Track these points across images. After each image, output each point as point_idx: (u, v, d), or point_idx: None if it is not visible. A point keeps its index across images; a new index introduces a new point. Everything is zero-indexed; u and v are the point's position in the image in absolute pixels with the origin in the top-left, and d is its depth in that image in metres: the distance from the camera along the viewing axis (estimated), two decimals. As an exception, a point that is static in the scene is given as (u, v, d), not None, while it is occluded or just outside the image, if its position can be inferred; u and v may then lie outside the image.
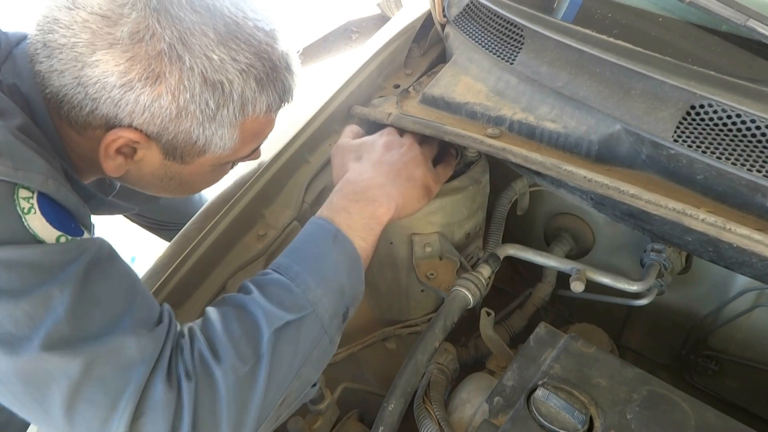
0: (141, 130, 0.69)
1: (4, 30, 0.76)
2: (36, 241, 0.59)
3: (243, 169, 1.04)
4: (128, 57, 0.65)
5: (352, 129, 1.00)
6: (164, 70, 0.66)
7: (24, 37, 0.75)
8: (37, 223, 0.60)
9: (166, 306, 0.69)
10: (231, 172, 0.91)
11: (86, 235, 0.65)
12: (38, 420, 0.61)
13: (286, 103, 0.79)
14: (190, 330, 0.68)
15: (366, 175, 0.85)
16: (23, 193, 0.60)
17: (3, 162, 0.58)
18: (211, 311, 0.71)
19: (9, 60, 0.72)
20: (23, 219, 0.59)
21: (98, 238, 0.66)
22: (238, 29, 0.69)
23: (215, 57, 0.67)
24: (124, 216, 1.43)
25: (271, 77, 0.73)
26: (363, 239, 0.79)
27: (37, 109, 0.70)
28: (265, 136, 0.83)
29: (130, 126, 0.69)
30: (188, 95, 0.67)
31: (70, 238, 0.62)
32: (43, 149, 0.66)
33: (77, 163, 0.77)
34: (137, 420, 0.60)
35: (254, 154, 0.85)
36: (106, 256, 0.65)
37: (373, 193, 0.82)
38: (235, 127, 0.74)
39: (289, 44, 0.76)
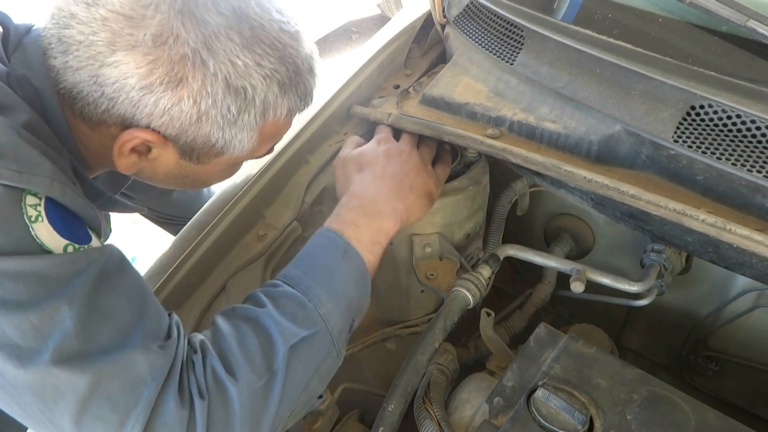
0: (158, 132, 0.68)
1: (13, 20, 0.74)
2: (43, 251, 0.58)
3: (243, 169, 1.04)
4: (150, 60, 0.63)
5: (353, 140, 1.00)
6: (187, 74, 0.64)
7: (32, 27, 0.73)
8: (44, 231, 0.58)
9: (175, 317, 0.68)
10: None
11: (95, 240, 0.64)
12: None
13: (306, 106, 0.78)
14: (202, 344, 0.67)
15: (371, 189, 0.85)
16: (31, 200, 0.58)
17: (7, 165, 0.57)
18: (223, 323, 0.69)
19: (19, 49, 0.70)
20: (30, 228, 0.58)
21: (108, 246, 0.65)
22: (263, 32, 0.68)
23: (240, 62, 0.66)
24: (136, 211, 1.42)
25: (294, 81, 0.72)
26: (371, 252, 0.79)
27: (49, 102, 0.68)
28: (282, 136, 0.83)
29: (147, 127, 0.68)
30: (210, 101, 0.66)
31: (77, 246, 0.61)
32: (50, 147, 0.64)
33: (87, 158, 0.76)
34: None
35: (268, 151, 0.85)
36: (116, 266, 0.64)
37: (380, 207, 0.83)
38: (255, 130, 0.73)
39: (312, 45, 0.75)
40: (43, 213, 0.59)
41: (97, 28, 0.62)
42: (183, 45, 0.63)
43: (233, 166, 0.82)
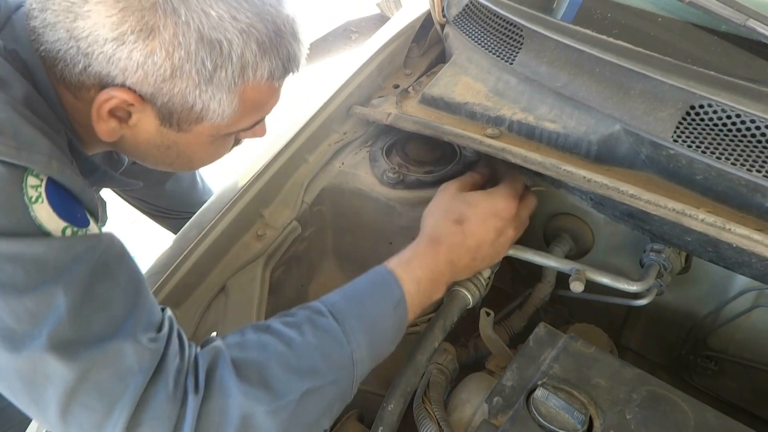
0: (134, 90, 0.66)
1: None
2: (42, 232, 0.58)
3: (243, 168, 1.04)
4: (121, 7, 0.61)
5: (474, 177, 0.97)
6: (158, 23, 0.62)
7: (22, 2, 0.71)
8: (44, 213, 0.58)
9: (168, 312, 0.68)
10: (232, 168, 0.90)
11: (92, 225, 0.64)
12: (34, 416, 0.62)
13: (291, 73, 0.74)
14: (217, 348, 0.67)
15: (453, 260, 0.83)
16: (32, 180, 0.58)
17: (5, 141, 0.57)
18: (252, 335, 0.69)
19: (8, 25, 0.69)
20: (30, 209, 0.58)
21: (107, 234, 0.64)
22: None
23: (213, 13, 0.63)
24: (129, 203, 1.42)
25: (275, 42, 0.69)
26: (413, 313, 0.79)
27: (38, 74, 0.67)
28: (269, 109, 0.79)
29: (123, 85, 0.66)
30: (183, 53, 0.64)
31: (75, 229, 0.61)
32: (46, 122, 0.64)
33: (81, 133, 0.75)
34: (134, 429, 0.59)
35: (258, 129, 0.82)
36: (115, 255, 0.64)
37: (446, 279, 0.83)
38: (234, 92, 0.69)
39: (295, 10, 0.72)
40: (43, 194, 0.59)
41: None
42: None
43: (218, 140, 0.78)
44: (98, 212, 0.68)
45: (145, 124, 0.72)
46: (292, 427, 0.66)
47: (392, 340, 0.77)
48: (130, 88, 0.66)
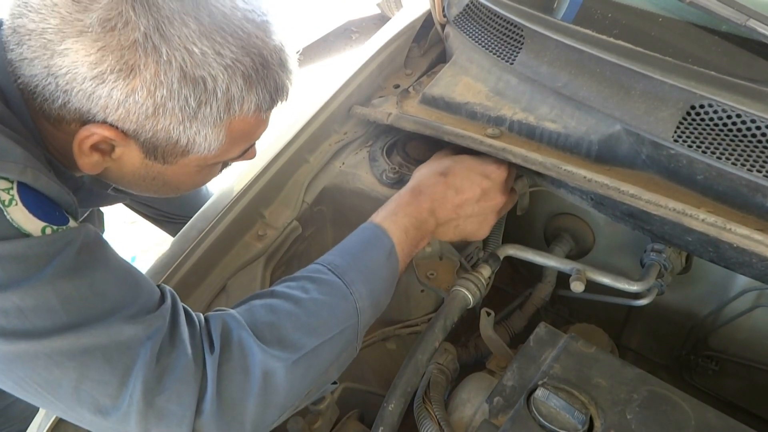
0: (116, 127, 0.65)
1: None
2: (21, 234, 0.57)
3: (243, 169, 1.04)
4: (99, 47, 0.59)
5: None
6: (139, 62, 0.60)
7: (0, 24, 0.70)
8: (20, 215, 0.57)
9: (168, 288, 0.68)
10: (231, 170, 0.89)
11: (72, 222, 0.62)
12: (45, 403, 0.61)
13: (280, 102, 0.73)
14: (227, 313, 0.69)
15: (442, 212, 0.87)
16: (2, 184, 0.57)
17: None
18: (259, 302, 0.71)
19: None
20: (4, 212, 0.56)
21: (84, 225, 0.63)
22: (224, 20, 0.64)
23: (196, 50, 0.62)
24: (132, 208, 1.41)
25: (261, 74, 0.67)
26: (404, 262, 0.82)
27: (13, 100, 0.65)
28: (257, 137, 0.78)
29: (104, 122, 0.64)
30: (165, 91, 0.62)
31: (55, 227, 0.59)
32: (21, 137, 0.62)
33: (59, 158, 0.73)
34: (158, 396, 0.60)
35: (248, 153, 0.81)
36: (95, 243, 0.63)
37: (431, 228, 0.86)
38: (221, 127, 0.68)
39: (284, 38, 0.70)
40: (16, 197, 0.58)
41: (47, 14, 0.60)
42: (133, 30, 0.60)
43: (205, 169, 0.77)
44: (78, 214, 0.67)
45: (130, 158, 0.70)
46: (307, 377, 0.70)
47: (388, 287, 0.80)
48: (111, 125, 0.65)
